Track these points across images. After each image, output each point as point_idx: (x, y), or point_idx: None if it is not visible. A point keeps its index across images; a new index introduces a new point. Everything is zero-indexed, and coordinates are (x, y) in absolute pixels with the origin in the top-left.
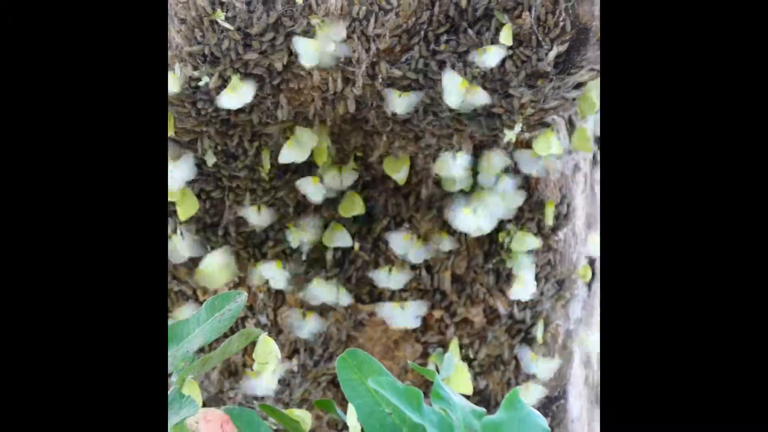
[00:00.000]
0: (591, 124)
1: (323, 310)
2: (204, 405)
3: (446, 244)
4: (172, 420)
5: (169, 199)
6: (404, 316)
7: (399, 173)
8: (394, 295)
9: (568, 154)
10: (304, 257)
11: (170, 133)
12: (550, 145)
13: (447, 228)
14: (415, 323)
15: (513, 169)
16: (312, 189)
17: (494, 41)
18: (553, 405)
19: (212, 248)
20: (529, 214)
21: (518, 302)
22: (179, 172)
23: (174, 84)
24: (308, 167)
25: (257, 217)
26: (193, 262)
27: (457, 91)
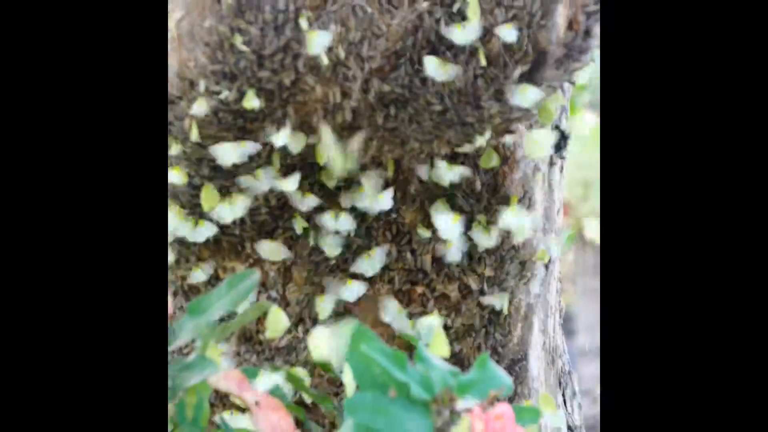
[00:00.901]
0: (549, 131)
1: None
2: None
3: (427, 231)
4: (196, 379)
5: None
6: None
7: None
8: (383, 274)
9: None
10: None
11: (195, 138)
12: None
13: (428, 219)
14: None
15: (483, 171)
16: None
17: (468, 62)
18: (516, 366)
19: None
20: (496, 207)
21: (487, 280)
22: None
23: (200, 105)
24: (311, 166)
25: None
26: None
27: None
